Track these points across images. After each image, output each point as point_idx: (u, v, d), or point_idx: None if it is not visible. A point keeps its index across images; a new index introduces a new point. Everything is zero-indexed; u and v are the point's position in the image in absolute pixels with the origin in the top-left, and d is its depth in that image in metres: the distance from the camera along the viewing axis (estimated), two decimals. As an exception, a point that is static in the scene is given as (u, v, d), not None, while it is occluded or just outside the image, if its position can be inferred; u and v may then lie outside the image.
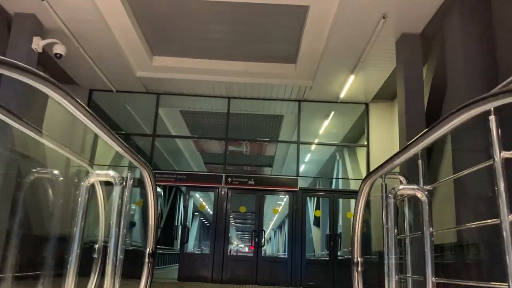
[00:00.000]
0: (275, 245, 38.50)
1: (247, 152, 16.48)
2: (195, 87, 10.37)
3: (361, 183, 2.41)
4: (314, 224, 16.34)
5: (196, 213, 29.30)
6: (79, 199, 2.08)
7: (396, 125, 10.14)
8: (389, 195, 2.13)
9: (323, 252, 14.56)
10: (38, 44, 7.41)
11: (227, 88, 10.31)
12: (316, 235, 16.05)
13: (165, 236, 21.94)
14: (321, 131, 12.22)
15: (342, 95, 9.99)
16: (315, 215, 15.50)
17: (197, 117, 13.02)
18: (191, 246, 25.51)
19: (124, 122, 12.73)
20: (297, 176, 10.36)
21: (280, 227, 34.33)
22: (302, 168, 11.10)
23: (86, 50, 8.64)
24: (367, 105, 10.66)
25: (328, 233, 10.02)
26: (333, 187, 13.31)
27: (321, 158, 14.90)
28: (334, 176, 13.96)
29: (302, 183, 10.49)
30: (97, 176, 2.09)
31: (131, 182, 2.37)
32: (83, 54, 8.65)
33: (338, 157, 13.94)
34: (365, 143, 10.51)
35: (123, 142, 1.93)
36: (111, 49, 8.56)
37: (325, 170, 16.00)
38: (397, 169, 3.19)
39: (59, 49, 7.36)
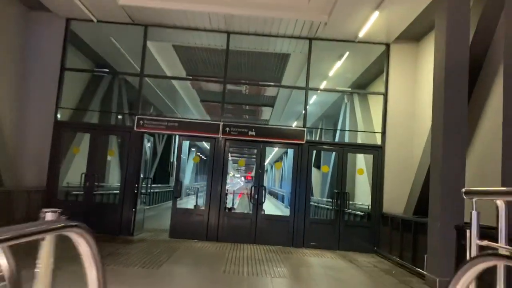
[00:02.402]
0: (271, 178, 38.46)
1: (246, 91, 15.20)
2: (189, 19, 8.83)
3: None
4: (314, 166, 15.55)
5: (192, 148, 28.55)
6: None
7: (420, 71, 8.84)
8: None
9: (323, 199, 13.94)
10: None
11: (226, 21, 8.78)
12: (316, 177, 15.31)
13: (160, 172, 21.28)
14: (331, 74, 10.85)
15: (361, 34, 8.52)
16: (315, 159, 14.64)
17: (192, 52, 11.55)
18: (187, 180, 25.14)
19: (110, 56, 11.33)
20: (303, 128, 9.18)
21: (277, 161, 33.97)
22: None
23: (55, -31, 7.05)
24: (388, 46, 9.21)
25: (335, 190, 9.09)
26: (336, 139, 12.15)
27: (326, 100, 13.67)
28: (340, 123, 12.85)
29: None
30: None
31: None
32: (52, -26, 7.08)
33: (346, 100, 12.73)
34: (383, 90, 9.22)
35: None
36: (86, -31, 6.97)
37: (329, 113, 14.83)
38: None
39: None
